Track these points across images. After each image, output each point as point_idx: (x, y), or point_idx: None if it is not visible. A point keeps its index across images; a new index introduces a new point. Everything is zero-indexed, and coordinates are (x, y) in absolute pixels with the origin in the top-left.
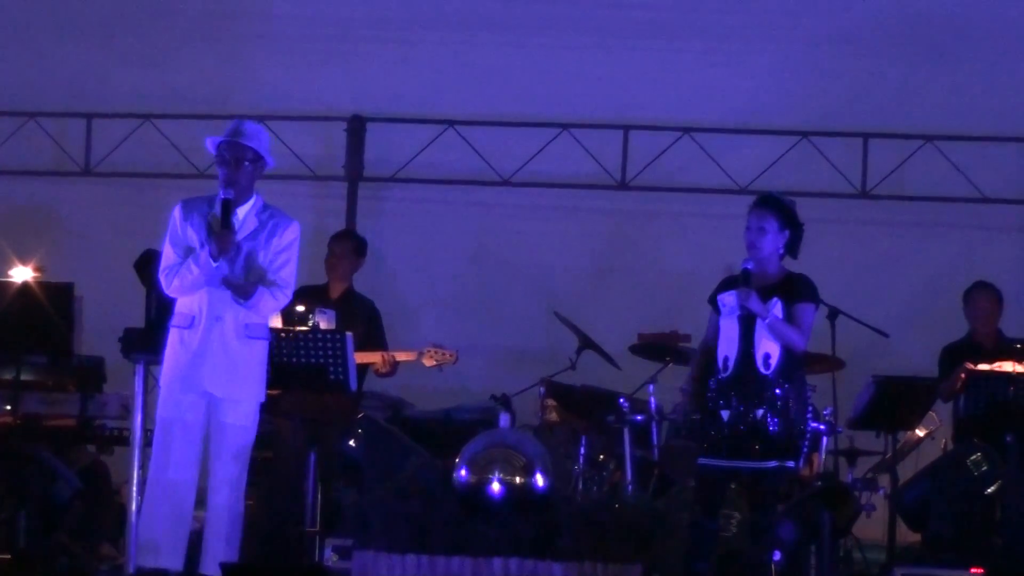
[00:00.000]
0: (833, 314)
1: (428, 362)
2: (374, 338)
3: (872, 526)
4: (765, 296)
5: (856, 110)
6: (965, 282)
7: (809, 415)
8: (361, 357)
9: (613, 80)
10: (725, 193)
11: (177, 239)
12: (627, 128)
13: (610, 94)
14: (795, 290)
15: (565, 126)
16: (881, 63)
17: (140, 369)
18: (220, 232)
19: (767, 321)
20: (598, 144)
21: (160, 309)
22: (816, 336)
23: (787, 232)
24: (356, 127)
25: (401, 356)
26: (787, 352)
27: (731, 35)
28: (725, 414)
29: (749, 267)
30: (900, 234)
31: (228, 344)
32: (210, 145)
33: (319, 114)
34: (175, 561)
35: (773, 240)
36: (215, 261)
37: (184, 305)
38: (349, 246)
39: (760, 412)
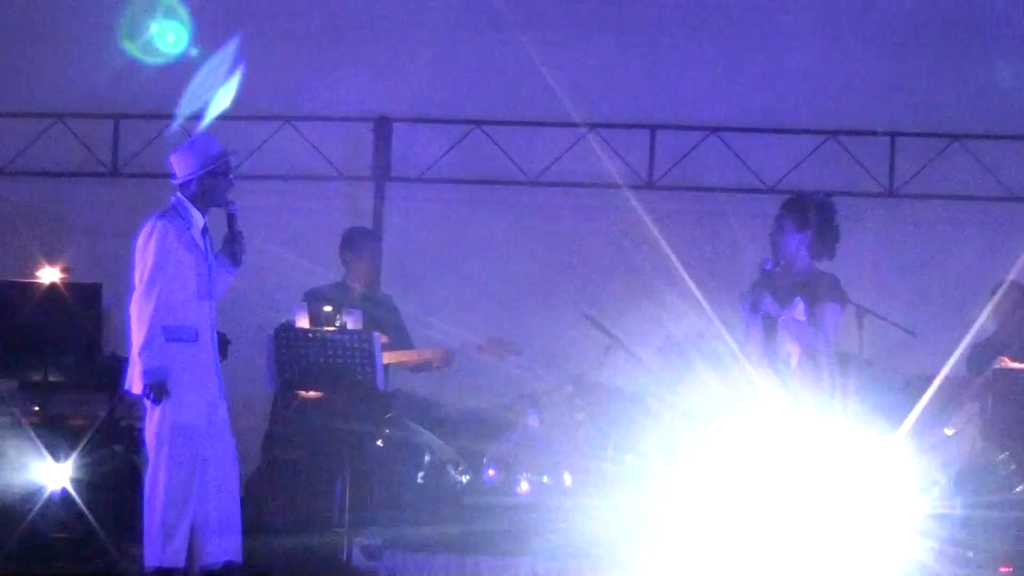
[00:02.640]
0: (861, 313)
1: (490, 356)
2: (404, 334)
3: None
4: (789, 296)
5: (883, 109)
6: (993, 281)
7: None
8: (413, 355)
9: (640, 80)
10: (752, 192)
11: (168, 261)
12: (654, 128)
13: (637, 94)
14: (819, 290)
15: (592, 126)
16: (908, 62)
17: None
18: (238, 241)
19: (780, 321)
20: (625, 144)
21: None
22: (844, 335)
23: (808, 232)
24: (383, 127)
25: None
26: (808, 351)
27: (758, 34)
28: None
29: (767, 268)
30: (927, 233)
31: (217, 351)
32: (217, 154)
33: (345, 115)
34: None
35: (791, 240)
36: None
37: (180, 319)
38: (381, 247)
39: None
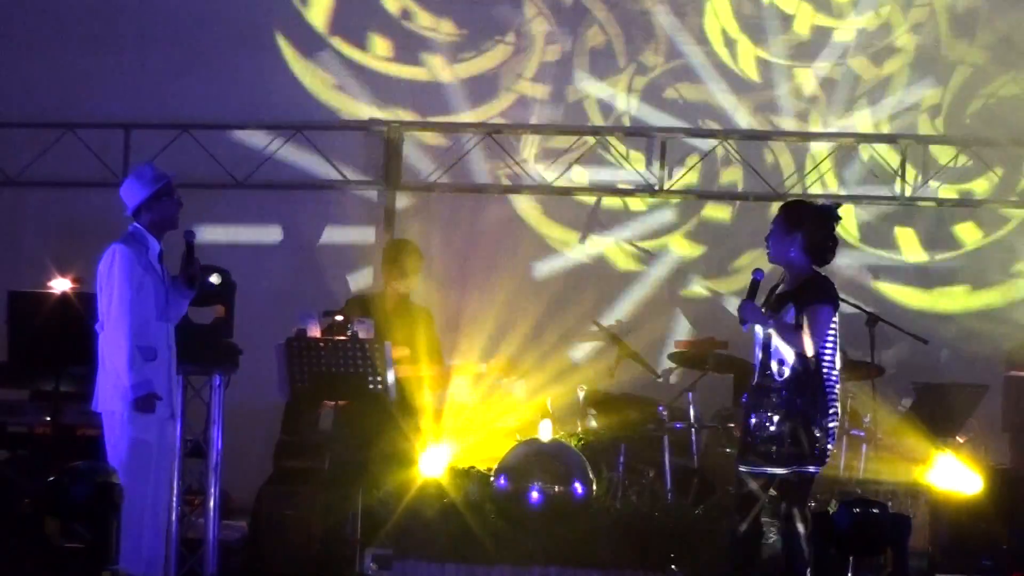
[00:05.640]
0: (872, 321)
1: (496, 377)
2: (433, 349)
3: (913, 533)
4: (783, 302)
5: (893, 116)
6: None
7: (832, 419)
8: (419, 370)
9: (648, 87)
10: (762, 200)
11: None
12: (661, 134)
13: (644, 100)
14: (808, 293)
15: (600, 132)
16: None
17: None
18: (194, 266)
19: (767, 328)
20: (634, 151)
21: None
22: (856, 343)
23: (798, 236)
24: (393, 136)
25: (461, 371)
26: (801, 357)
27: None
28: (751, 421)
29: (758, 277)
30: (937, 238)
31: (174, 371)
32: (158, 177)
33: (356, 123)
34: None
35: (783, 244)
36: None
37: (143, 340)
38: (418, 261)
39: (776, 418)
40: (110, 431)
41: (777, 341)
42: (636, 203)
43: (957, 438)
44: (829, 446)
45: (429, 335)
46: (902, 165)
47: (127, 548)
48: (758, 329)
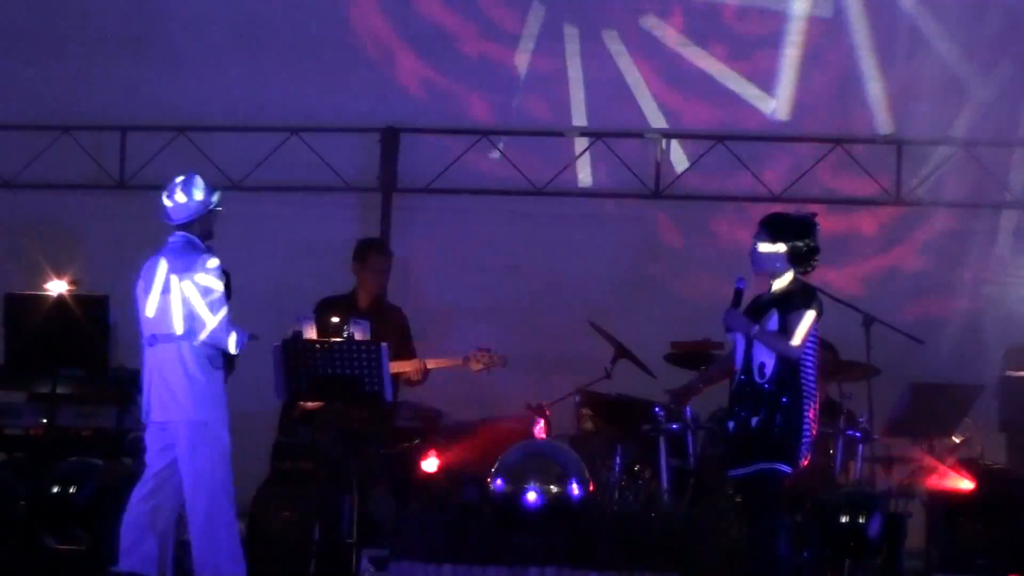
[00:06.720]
0: (868, 321)
1: (475, 366)
2: (406, 346)
3: (909, 533)
4: (766, 309)
5: (884, 117)
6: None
7: (806, 422)
8: (394, 366)
9: (646, 89)
10: (759, 201)
11: None
12: (662, 137)
13: (643, 103)
14: (790, 300)
15: (599, 135)
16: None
17: None
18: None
19: (751, 334)
20: (632, 153)
21: None
22: (852, 343)
23: (781, 246)
24: (390, 138)
25: (444, 363)
26: (782, 361)
27: (763, 43)
28: (731, 424)
29: (741, 286)
30: (934, 240)
31: None
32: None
33: (353, 126)
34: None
35: (765, 255)
36: None
37: (215, 350)
38: (390, 260)
39: (755, 420)
40: (199, 441)
41: (759, 347)
42: (634, 204)
43: (953, 438)
44: (803, 448)
45: (404, 333)
46: (896, 167)
47: (234, 545)
48: (736, 337)
